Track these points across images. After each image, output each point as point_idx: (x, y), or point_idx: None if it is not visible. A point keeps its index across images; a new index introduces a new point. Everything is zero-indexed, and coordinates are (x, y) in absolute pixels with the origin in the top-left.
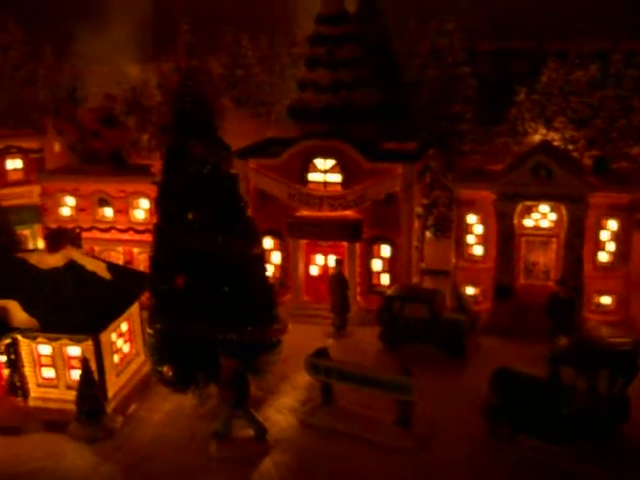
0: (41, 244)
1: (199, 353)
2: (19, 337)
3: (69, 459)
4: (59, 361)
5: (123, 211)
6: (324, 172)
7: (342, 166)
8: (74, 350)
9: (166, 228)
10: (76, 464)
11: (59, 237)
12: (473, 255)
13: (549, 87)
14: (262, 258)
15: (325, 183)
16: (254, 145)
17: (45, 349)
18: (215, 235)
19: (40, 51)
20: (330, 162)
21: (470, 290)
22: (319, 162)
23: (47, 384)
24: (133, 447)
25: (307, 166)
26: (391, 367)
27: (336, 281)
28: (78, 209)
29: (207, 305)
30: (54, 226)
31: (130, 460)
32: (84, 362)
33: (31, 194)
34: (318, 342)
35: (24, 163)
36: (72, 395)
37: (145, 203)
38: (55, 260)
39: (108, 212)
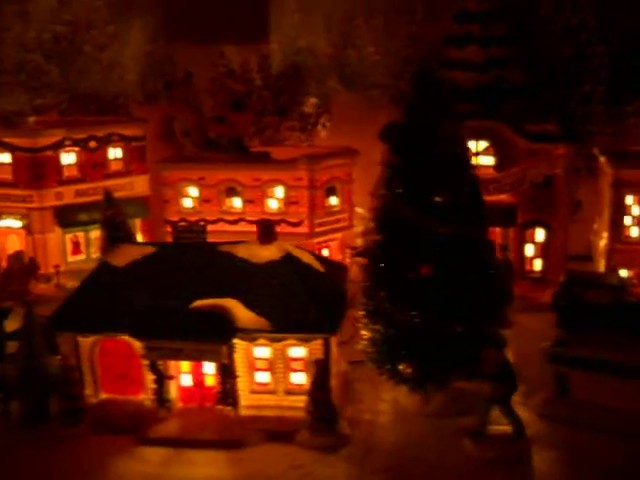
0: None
1: (446, 347)
2: (235, 339)
3: (319, 471)
4: (279, 364)
5: (255, 201)
6: (476, 154)
7: (496, 148)
8: (297, 351)
9: (402, 212)
10: (334, 476)
11: (270, 228)
12: (630, 237)
13: None
14: (493, 244)
15: (477, 166)
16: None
17: (262, 351)
18: (460, 220)
19: (126, 31)
20: (482, 144)
21: (624, 273)
22: (470, 144)
23: (261, 390)
24: (381, 453)
25: None
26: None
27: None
28: (202, 200)
29: (454, 295)
30: (175, 219)
31: (388, 468)
32: (319, 364)
33: (132, 185)
34: None
35: (124, 152)
36: (291, 401)
37: (280, 192)
38: (270, 253)
39: (236, 202)
